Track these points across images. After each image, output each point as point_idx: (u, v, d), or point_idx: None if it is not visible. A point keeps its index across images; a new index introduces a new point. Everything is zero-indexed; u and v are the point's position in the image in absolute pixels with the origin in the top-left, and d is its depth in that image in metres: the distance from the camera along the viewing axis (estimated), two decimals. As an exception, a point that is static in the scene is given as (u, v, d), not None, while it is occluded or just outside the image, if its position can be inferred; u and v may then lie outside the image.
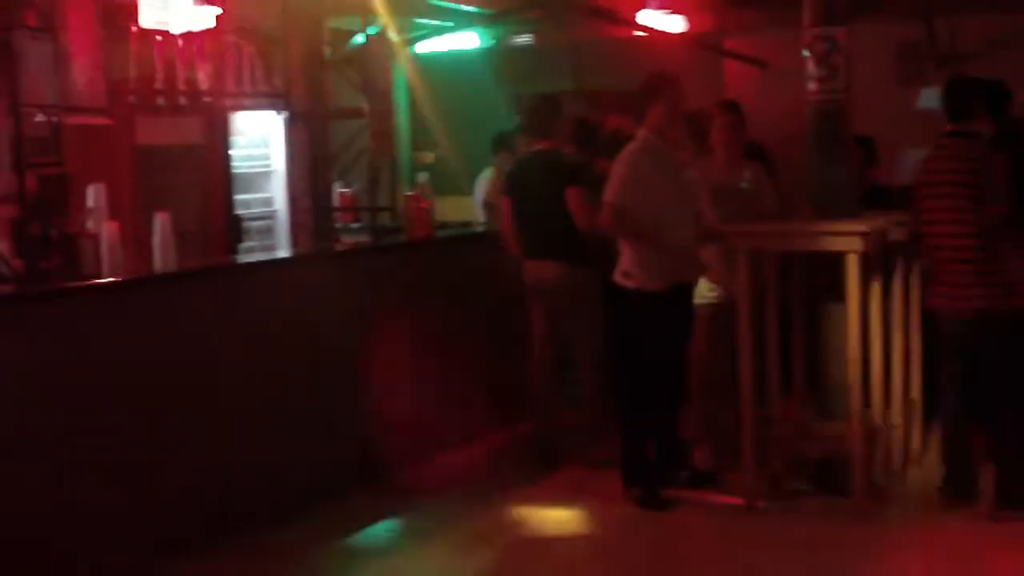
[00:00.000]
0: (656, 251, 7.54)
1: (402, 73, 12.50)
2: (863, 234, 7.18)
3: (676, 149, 7.94)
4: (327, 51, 10.76)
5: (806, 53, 7.73)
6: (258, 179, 10.45)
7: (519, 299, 8.68)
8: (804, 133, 7.87)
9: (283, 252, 10.03)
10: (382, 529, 7.53)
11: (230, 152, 9.88)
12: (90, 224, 6.86)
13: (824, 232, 7.40)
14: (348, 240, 9.90)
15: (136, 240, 7.47)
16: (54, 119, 7.79)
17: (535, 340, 8.60)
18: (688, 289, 7.80)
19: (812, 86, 7.72)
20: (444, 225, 9.95)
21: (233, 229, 9.61)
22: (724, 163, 8.38)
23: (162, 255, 7.03)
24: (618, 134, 8.97)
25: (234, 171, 9.96)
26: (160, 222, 7.07)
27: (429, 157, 9.19)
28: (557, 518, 7.73)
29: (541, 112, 8.78)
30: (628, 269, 7.62)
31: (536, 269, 8.50)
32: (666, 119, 7.72)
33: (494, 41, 13.98)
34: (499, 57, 13.77)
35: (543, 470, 8.42)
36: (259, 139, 10.47)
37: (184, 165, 9.44)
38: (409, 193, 9.55)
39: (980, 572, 6.64)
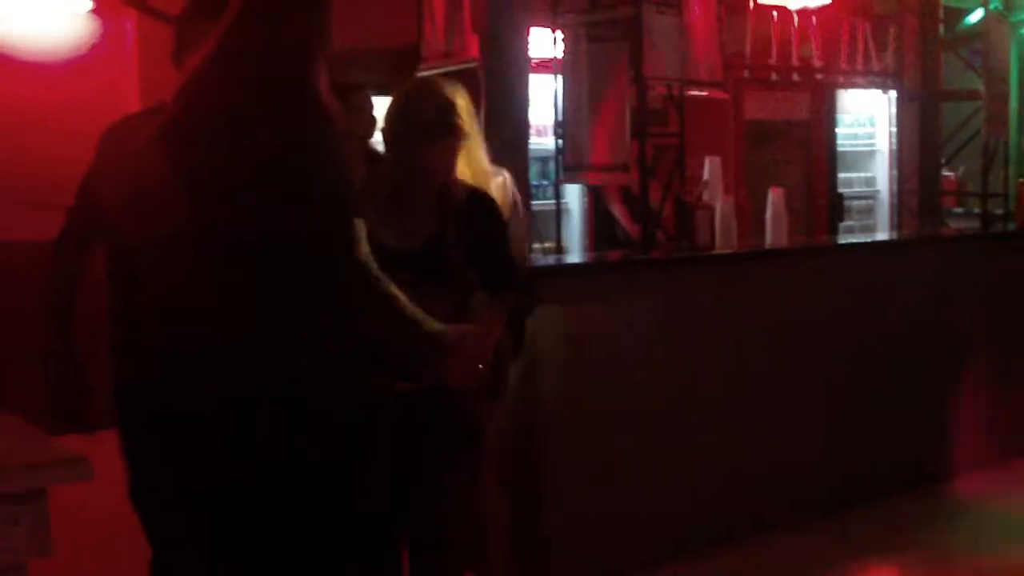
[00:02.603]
0: None
1: (1016, 54, 12.01)
2: None
3: None
4: (941, 29, 10.46)
5: None
6: (861, 158, 10.34)
7: None
8: None
9: (888, 234, 9.86)
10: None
11: (836, 130, 9.81)
12: (706, 196, 6.94)
13: None
14: (954, 226, 9.63)
15: (741, 213, 7.53)
16: (674, 91, 7.92)
17: None
18: None
19: None
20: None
21: (835, 207, 9.55)
22: None
23: (774, 230, 7.05)
24: None
25: (838, 149, 9.88)
26: (774, 197, 7.09)
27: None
28: None
29: None
30: None
31: None
32: None
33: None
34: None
35: None
36: (865, 118, 10.35)
37: (790, 141, 9.45)
38: (1023, 179, 9.17)
39: None
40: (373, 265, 3.68)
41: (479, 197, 4.67)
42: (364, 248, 3.63)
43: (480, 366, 4.21)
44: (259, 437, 3.36)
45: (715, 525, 6.44)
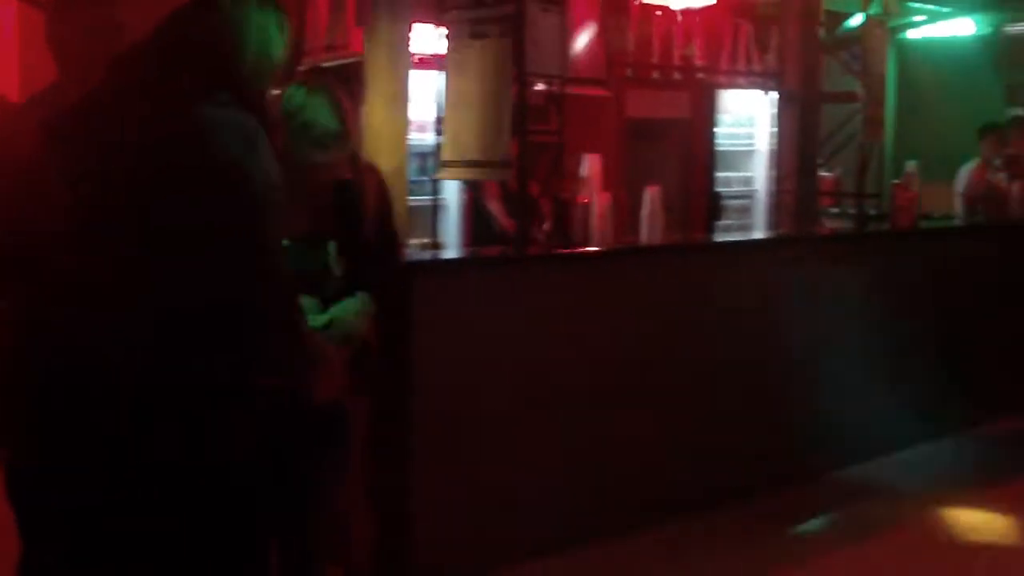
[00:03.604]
0: None
1: (893, 58, 12.23)
2: None
3: None
4: (822, 32, 10.61)
5: None
6: (741, 158, 10.45)
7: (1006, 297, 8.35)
8: None
9: (764, 232, 9.99)
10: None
11: (716, 129, 9.91)
12: (583, 193, 6.99)
13: None
14: (830, 225, 9.77)
15: (620, 211, 7.58)
16: (555, 88, 7.96)
17: None
18: None
19: None
20: (924, 216, 9.70)
21: (712, 206, 9.65)
22: None
23: (650, 228, 7.11)
24: None
25: (718, 148, 9.98)
26: (650, 196, 7.15)
27: (912, 167, 8.93)
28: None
29: None
30: None
31: None
32: None
33: (991, 28, 13.51)
34: (994, 45, 13.30)
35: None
36: (745, 118, 10.47)
37: (670, 139, 9.54)
38: (897, 181, 9.33)
39: None
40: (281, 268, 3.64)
41: (355, 193, 4.70)
42: (272, 245, 3.57)
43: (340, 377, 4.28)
44: (133, 436, 3.34)
45: (582, 521, 6.47)
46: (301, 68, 8.35)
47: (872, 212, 9.79)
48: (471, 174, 7.60)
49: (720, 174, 10.00)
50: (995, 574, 6.56)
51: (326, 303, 4.61)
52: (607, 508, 6.60)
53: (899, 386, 8.36)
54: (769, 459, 7.43)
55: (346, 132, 4.65)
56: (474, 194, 8.63)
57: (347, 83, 4.96)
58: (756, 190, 10.44)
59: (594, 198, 6.96)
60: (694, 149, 9.69)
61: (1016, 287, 9.55)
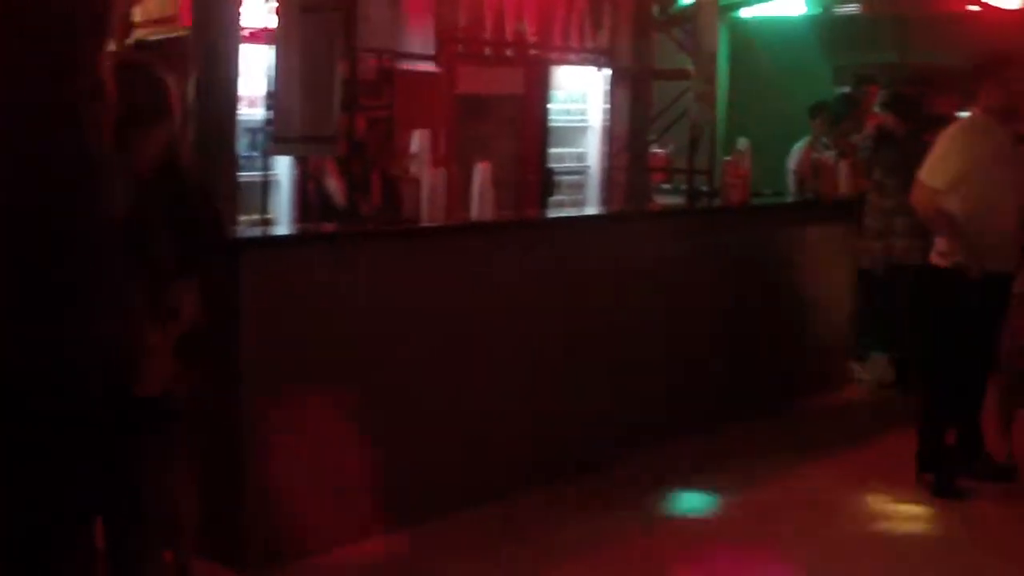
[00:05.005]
0: (968, 235, 7.23)
1: (726, 37, 12.40)
2: None
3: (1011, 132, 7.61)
4: (655, 10, 10.72)
5: None
6: (573, 134, 10.51)
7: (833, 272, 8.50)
8: None
9: (595, 208, 10.07)
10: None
11: (549, 105, 9.96)
12: (413, 169, 6.98)
13: None
14: (661, 201, 9.88)
15: (452, 187, 7.58)
16: (386, 64, 7.95)
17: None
18: (1006, 277, 7.48)
19: None
20: (756, 193, 9.85)
21: (545, 182, 9.71)
22: None
23: (480, 204, 7.11)
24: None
25: (550, 124, 10.03)
26: (481, 172, 7.15)
27: (743, 144, 9.07)
28: (844, 500, 7.54)
29: None
30: (944, 249, 7.36)
31: None
32: (997, 100, 7.41)
33: (820, 9, 13.77)
34: (823, 26, 13.55)
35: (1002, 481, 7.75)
36: (578, 94, 10.53)
37: (503, 115, 9.56)
38: (728, 158, 9.45)
39: None
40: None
41: (181, 173, 4.64)
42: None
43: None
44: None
45: (414, 500, 6.46)
46: (129, 43, 8.22)
47: (704, 188, 9.93)
48: (301, 150, 7.57)
49: (553, 150, 10.05)
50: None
51: (152, 284, 4.54)
52: (440, 487, 6.59)
53: (722, 362, 8.48)
54: (600, 434, 7.52)
55: (168, 109, 4.57)
56: (310, 170, 8.56)
57: (172, 58, 4.88)
58: (589, 166, 10.51)
59: (425, 174, 6.94)
60: (527, 125, 9.71)
61: (837, 262, 9.76)
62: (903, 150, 8.32)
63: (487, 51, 9.10)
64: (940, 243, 7.36)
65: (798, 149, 10.81)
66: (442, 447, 6.60)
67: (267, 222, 7.84)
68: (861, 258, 9.72)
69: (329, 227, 7.01)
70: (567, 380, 7.28)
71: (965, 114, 7.52)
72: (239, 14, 6.99)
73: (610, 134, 10.33)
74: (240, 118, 7.46)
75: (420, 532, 6.32)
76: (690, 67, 10.35)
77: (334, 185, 8.16)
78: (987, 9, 11.91)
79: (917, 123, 9.05)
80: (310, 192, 8.13)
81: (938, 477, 7.46)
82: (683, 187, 10.15)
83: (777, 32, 13.45)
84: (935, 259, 7.39)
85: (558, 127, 10.22)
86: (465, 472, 6.69)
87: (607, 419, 7.49)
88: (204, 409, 5.39)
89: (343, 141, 7.39)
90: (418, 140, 7.08)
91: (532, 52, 9.48)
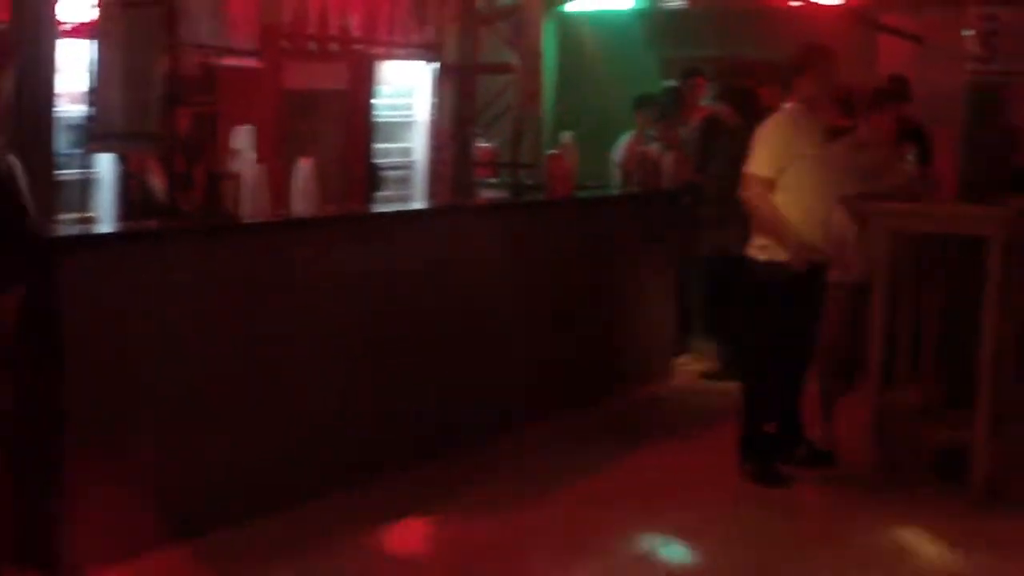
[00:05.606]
0: (789, 228, 7.41)
1: (552, 31, 12.49)
2: (1007, 219, 7.08)
3: (824, 123, 7.82)
4: (480, 4, 10.76)
5: (968, 32, 7.56)
6: (399, 129, 10.53)
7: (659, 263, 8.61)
8: (957, 113, 7.72)
9: (421, 203, 10.10)
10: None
11: (374, 101, 9.95)
12: (235, 165, 6.94)
13: (968, 215, 7.30)
14: (488, 195, 9.94)
15: (278, 184, 7.55)
16: (209, 59, 7.88)
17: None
18: (822, 268, 7.68)
19: (972, 66, 7.54)
20: (583, 186, 9.95)
21: (371, 177, 9.71)
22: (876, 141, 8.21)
23: (303, 200, 7.10)
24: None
25: (376, 120, 10.03)
26: (303, 167, 7.14)
27: (568, 137, 9.18)
28: (669, 489, 7.67)
29: None
30: (764, 242, 7.54)
31: None
32: (814, 92, 7.61)
33: (647, 3, 13.93)
34: (650, 19, 13.72)
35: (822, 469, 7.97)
36: (404, 89, 10.54)
37: (329, 111, 9.53)
38: (553, 152, 9.54)
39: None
40: None
41: None
42: None
43: None
44: None
45: (241, 498, 6.45)
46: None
47: (529, 182, 10.01)
48: (122, 147, 7.49)
49: (379, 145, 10.04)
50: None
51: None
52: (255, 488, 6.56)
53: (546, 354, 8.57)
54: (430, 429, 7.57)
55: None
56: (132, 168, 8.45)
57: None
58: (415, 161, 10.53)
59: (247, 170, 6.91)
60: (353, 120, 9.69)
61: (664, 253, 9.91)
62: (736, 141, 8.46)
63: (312, 46, 9.07)
64: (758, 236, 7.54)
65: (623, 142, 10.94)
66: (261, 447, 6.59)
67: (88, 221, 7.72)
68: (701, 247, 9.90)
69: (151, 225, 6.94)
70: (387, 378, 7.32)
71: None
72: (55, 7, 6.89)
73: (435, 128, 10.35)
74: (60, 115, 7.35)
75: (231, 536, 6.31)
76: (514, 61, 10.44)
77: (157, 183, 8.08)
78: (807, 4, 12.18)
79: (752, 115, 9.20)
80: (132, 190, 8.02)
81: (760, 464, 7.64)
82: (509, 181, 10.21)
83: (604, 26, 13.58)
84: (753, 252, 7.57)
85: (384, 122, 10.22)
86: (281, 473, 6.70)
87: (423, 417, 7.56)
88: (21, 414, 5.35)
89: (166, 138, 7.33)
90: (240, 136, 7.06)
91: (357, 47, 9.46)
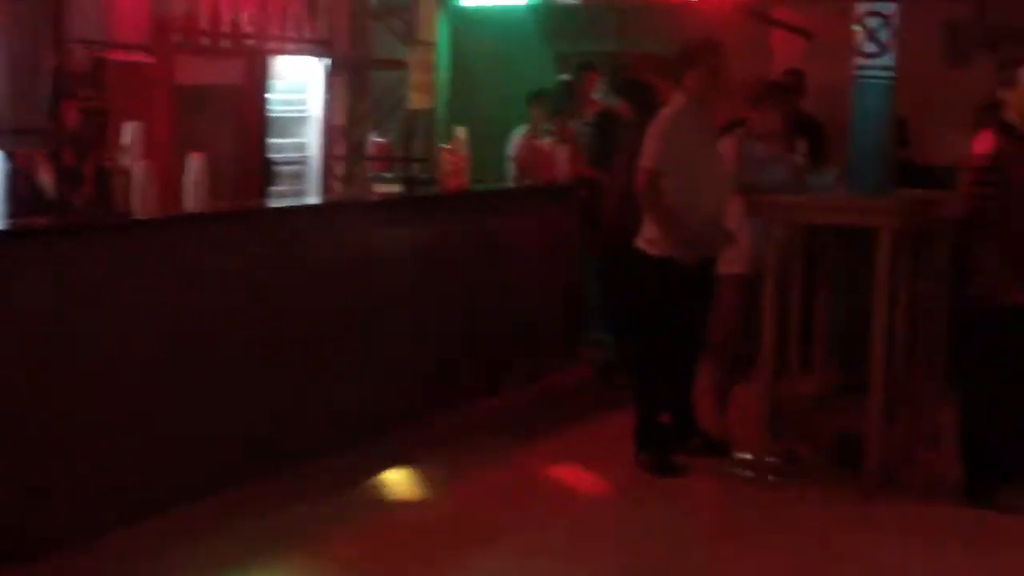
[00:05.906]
0: (681, 222, 7.46)
1: (445, 26, 12.49)
2: (895, 210, 7.20)
3: (713, 116, 7.89)
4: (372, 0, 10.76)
5: (856, 28, 7.65)
6: (293, 124, 10.50)
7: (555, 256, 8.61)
8: (846, 107, 7.80)
9: (315, 197, 10.07)
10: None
11: (267, 96, 9.92)
12: (124, 161, 6.88)
13: (857, 207, 7.40)
14: (381, 189, 9.91)
15: (171, 179, 7.49)
16: (97, 54, 7.81)
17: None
18: (712, 261, 7.74)
19: (859, 61, 7.62)
20: (477, 181, 9.96)
21: (265, 172, 9.67)
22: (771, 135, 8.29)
23: (194, 195, 7.04)
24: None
25: (270, 115, 9.99)
26: (194, 163, 7.08)
27: (461, 132, 9.17)
28: (566, 481, 7.70)
29: None
30: (654, 237, 7.58)
31: None
32: (704, 85, 7.66)
33: (541, -1, 13.96)
34: (544, 14, 13.74)
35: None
36: (297, 84, 10.51)
37: (223, 107, 9.48)
38: (445, 146, 9.54)
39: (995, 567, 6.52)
40: None
41: None
42: None
43: None
44: None
45: (133, 496, 6.39)
46: None
47: (423, 177, 9.99)
48: (8, 143, 7.39)
49: (273, 140, 10.01)
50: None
51: None
52: (156, 483, 6.51)
53: (439, 348, 8.58)
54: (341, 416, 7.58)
55: None
56: (19, 164, 8.34)
57: None
58: (309, 156, 10.50)
59: (137, 166, 6.85)
60: (246, 116, 9.66)
61: (559, 246, 9.95)
62: (631, 135, 8.49)
63: (205, 41, 9.01)
64: (648, 230, 7.58)
65: (517, 136, 10.96)
66: (156, 444, 6.54)
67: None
68: (596, 241, 9.91)
69: (40, 222, 6.84)
70: (278, 374, 7.29)
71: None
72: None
73: (327, 124, 10.34)
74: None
75: (138, 529, 6.26)
76: (408, 56, 10.44)
77: (46, 178, 7.98)
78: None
79: (649, 109, 9.23)
80: (20, 186, 7.91)
81: (655, 455, 7.69)
82: (402, 175, 10.20)
83: (498, 20, 13.56)
84: (643, 245, 7.62)
85: (278, 117, 10.19)
86: (180, 469, 6.64)
87: (312, 412, 7.53)
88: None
89: (53, 133, 7.25)
90: (130, 132, 6.99)
91: (250, 42, 9.42)
